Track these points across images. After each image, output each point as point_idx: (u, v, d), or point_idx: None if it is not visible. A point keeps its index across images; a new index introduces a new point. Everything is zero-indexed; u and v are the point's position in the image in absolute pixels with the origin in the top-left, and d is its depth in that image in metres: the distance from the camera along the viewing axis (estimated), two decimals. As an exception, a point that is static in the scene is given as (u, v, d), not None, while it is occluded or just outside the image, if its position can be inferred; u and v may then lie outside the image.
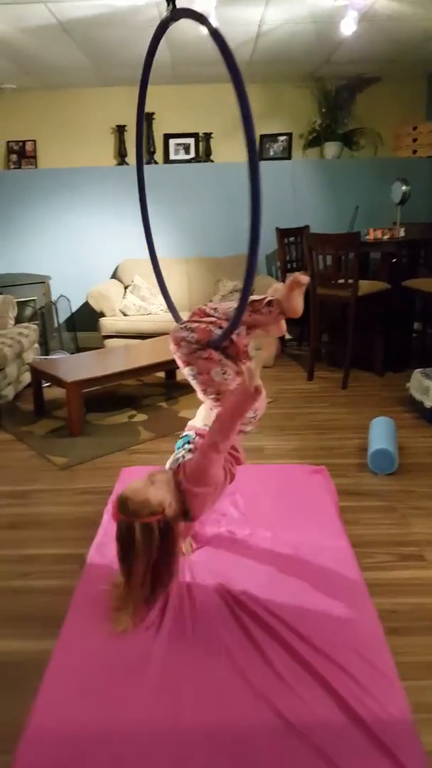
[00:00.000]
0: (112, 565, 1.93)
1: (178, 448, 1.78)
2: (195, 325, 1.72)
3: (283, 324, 1.85)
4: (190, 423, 1.90)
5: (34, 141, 5.39)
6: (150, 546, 1.53)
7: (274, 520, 2.24)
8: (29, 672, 1.53)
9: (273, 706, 1.40)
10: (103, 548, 2.04)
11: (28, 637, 1.70)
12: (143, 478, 1.62)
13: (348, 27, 3.55)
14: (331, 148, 5.35)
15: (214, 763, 1.26)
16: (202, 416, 1.87)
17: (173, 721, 1.36)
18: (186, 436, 1.82)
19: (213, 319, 1.73)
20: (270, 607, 1.72)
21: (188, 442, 1.77)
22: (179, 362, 1.76)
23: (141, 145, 1.92)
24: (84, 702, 1.41)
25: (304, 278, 1.73)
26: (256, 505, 2.37)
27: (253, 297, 1.77)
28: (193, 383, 1.77)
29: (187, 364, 1.73)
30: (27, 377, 4.10)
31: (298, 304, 1.75)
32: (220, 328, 1.69)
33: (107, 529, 2.18)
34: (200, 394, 1.79)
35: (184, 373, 1.78)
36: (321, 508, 2.34)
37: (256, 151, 1.42)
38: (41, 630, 1.72)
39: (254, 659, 1.54)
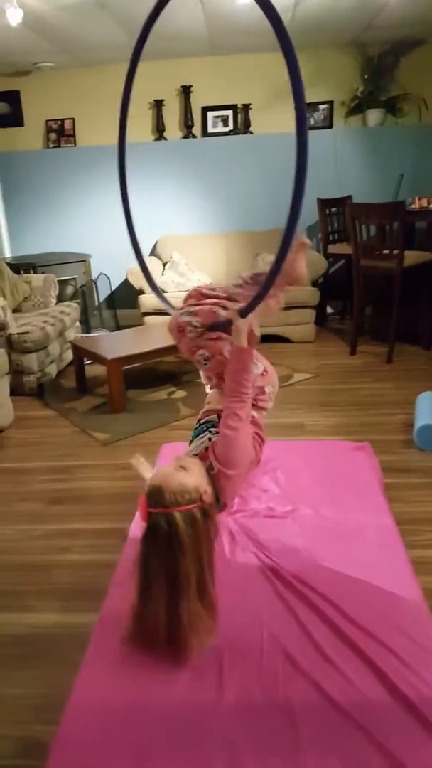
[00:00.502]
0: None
1: (198, 436, 1.64)
2: (197, 308, 1.62)
3: (282, 297, 1.72)
4: (202, 411, 1.73)
5: (73, 119, 5.37)
6: (198, 539, 1.30)
7: (315, 496, 2.20)
8: (72, 646, 1.55)
9: (317, 684, 1.37)
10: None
11: (71, 611, 1.73)
12: (169, 465, 1.44)
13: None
14: (373, 116, 5.15)
15: (257, 741, 1.25)
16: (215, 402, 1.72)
17: (215, 697, 1.36)
18: (205, 422, 1.67)
19: (214, 300, 1.63)
20: (313, 584, 1.69)
21: (213, 426, 1.62)
22: (185, 350, 1.64)
23: (125, 119, 1.80)
24: (126, 675, 1.42)
25: (307, 240, 1.67)
26: (297, 481, 2.33)
27: (255, 271, 1.69)
28: (204, 369, 1.67)
29: (197, 349, 1.62)
30: (69, 355, 4.15)
31: (302, 271, 1.68)
32: (224, 308, 1.58)
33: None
34: (208, 384, 1.68)
35: (195, 359, 1.66)
36: (364, 484, 2.28)
37: (305, 116, 1.36)
38: (83, 603, 1.74)
39: (297, 637, 1.52)
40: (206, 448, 1.54)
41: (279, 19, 1.32)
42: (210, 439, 1.56)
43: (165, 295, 4.91)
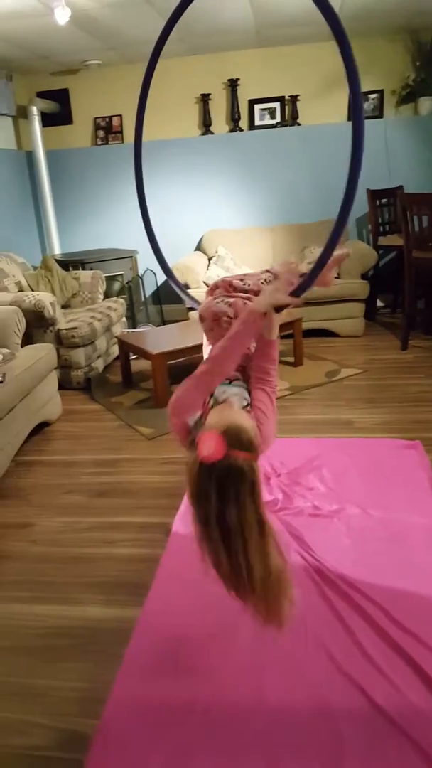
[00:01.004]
0: (196, 535, 1.93)
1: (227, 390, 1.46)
2: (232, 300, 1.59)
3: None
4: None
5: (120, 116, 5.41)
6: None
7: (363, 496, 2.15)
8: (114, 639, 1.56)
9: (362, 689, 1.34)
10: (188, 518, 2.03)
11: (114, 604, 1.73)
12: (219, 411, 1.30)
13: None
14: (426, 104, 4.98)
15: (299, 744, 1.22)
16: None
17: (258, 697, 1.34)
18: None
19: (247, 294, 1.61)
20: (359, 586, 1.65)
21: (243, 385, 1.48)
22: (215, 338, 1.53)
23: (141, 121, 1.74)
24: (167, 672, 1.41)
25: (348, 250, 1.72)
26: (344, 480, 2.28)
27: (286, 262, 1.65)
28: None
29: None
30: (115, 350, 4.20)
31: (332, 276, 1.69)
32: None
33: (192, 499, 2.18)
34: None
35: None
36: (414, 484, 2.21)
37: (362, 105, 1.35)
38: (127, 597, 1.74)
39: (343, 640, 1.48)
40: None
41: (330, 7, 1.28)
42: (245, 407, 1.41)
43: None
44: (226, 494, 1.09)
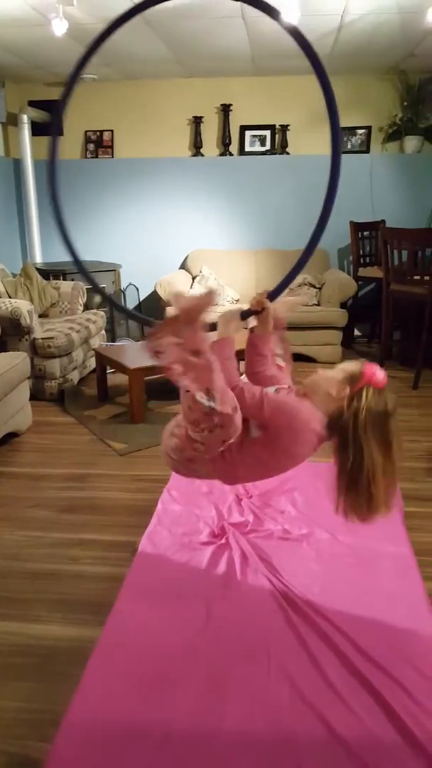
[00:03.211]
0: (164, 554, 1.90)
1: None
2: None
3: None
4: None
5: (112, 131, 5.44)
6: None
7: (333, 521, 2.13)
8: (73, 659, 1.51)
9: (322, 716, 1.32)
10: (155, 537, 2.01)
11: (75, 624, 1.69)
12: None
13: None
14: (411, 143, 5.13)
15: (257, 772, 1.19)
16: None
17: (216, 722, 1.31)
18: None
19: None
20: (324, 612, 1.64)
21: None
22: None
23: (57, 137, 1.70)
24: (125, 695, 1.37)
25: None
26: (315, 504, 2.27)
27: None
28: None
29: None
30: (92, 362, 4.16)
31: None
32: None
33: (161, 517, 2.15)
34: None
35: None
36: (384, 512, 2.21)
37: (340, 142, 1.45)
38: (89, 617, 1.70)
39: (305, 666, 1.46)
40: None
41: (311, 47, 1.48)
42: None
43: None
44: (394, 409, 1.43)
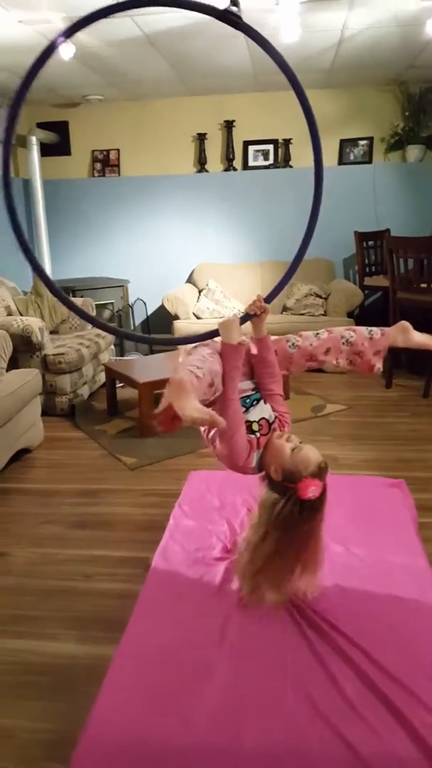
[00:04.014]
0: (177, 570, 1.89)
1: (253, 405, 1.68)
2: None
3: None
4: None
5: (118, 150, 5.51)
6: None
7: (346, 534, 2.12)
8: (87, 677, 1.50)
9: (340, 734, 1.30)
10: (168, 553, 2.00)
11: (88, 641, 1.68)
12: (303, 449, 1.57)
13: (434, 28, 3.38)
14: (413, 152, 5.15)
15: (275, 791, 1.18)
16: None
17: (233, 740, 1.29)
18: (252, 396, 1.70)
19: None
20: (341, 627, 1.62)
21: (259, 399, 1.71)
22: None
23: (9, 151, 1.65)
24: (142, 713, 1.36)
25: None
26: (327, 517, 2.25)
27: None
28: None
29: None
30: (102, 377, 4.18)
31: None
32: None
33: (173, 532, 2.14)
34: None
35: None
36: (398, 523, 2.20)
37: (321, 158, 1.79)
38: (102, 634, 1.69)
39: (322, 682, 1.45)
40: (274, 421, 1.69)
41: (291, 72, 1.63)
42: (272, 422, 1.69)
43: (200, 321, 4.93)
44: (316, 511, 1.54)
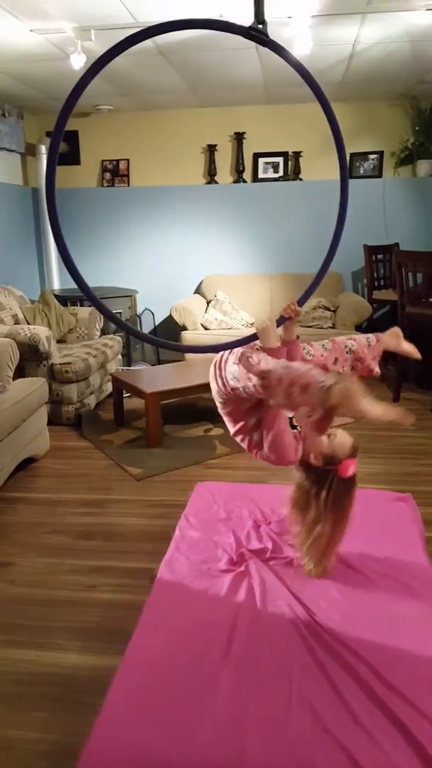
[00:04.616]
0: (182, 582, 1.88)
1: None
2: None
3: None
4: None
5: (128, 160, 5.55)
6: None
7: (353, 548, 2.11)
8: (92, 688, 1.50)
9: (346, 750, 1.28)
10: (174, 564, 1.99)
11: (93, 652, 1.67)
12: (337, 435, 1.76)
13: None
14: (424, 166, 5.17)
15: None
16: None
17: (238, 755, 1.28)
18: None
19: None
20: (346, 641, 1.60)
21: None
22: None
23: (54, 165, 1.67)
24: (146, 725, 1.35)
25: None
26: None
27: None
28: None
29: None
30: (109, 387, 4.18)
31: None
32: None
33: (179, 543, 2.13)
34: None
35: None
36: (405, 538, 2.18)
37: (347, 168, 1.78)
38: (107, 645, 1.68)
39: (328, 697, 1.43)
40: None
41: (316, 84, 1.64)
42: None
43: (209, 332, 4.94)
44: (354, 485, 1.73)
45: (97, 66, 1.41)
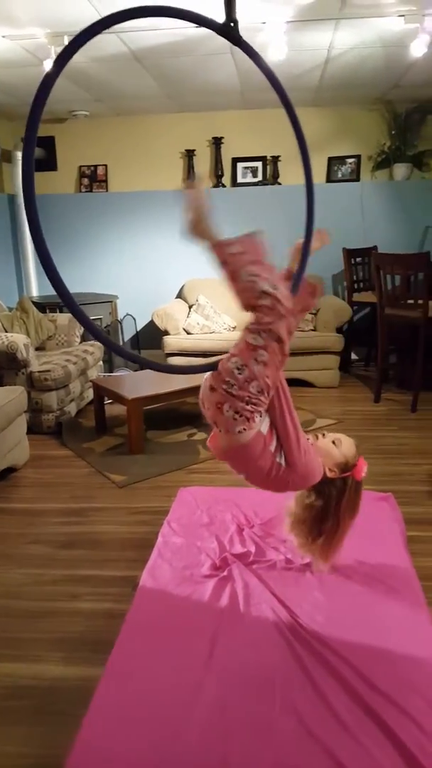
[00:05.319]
0: (165, 589, 1.87)
1: None
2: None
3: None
4: None
5: (105, 165, 5.53)
6: None
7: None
8: (74, 699, 1.47)
9: (331, 753, 1.28)
10: (156, 571, 1.98)
11: (75, 663, 1.65)
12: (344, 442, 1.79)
13: (418, 49, 3.43)
14: (400, 170, 5.22)
15: None
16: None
17: (223, 761, 1.27)
18: None
19: None
20: (329, 643, 1.60)
21: None
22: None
23: (30, 166, 1.43)
24: (128, 736, 1.33)
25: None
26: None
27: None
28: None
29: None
30: (90, 394, 4.15)
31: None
32: None
33: (161, 550, 2.12)
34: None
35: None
36: (387, 537, 2.19)
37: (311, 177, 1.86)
38: (90, 655, 1.66)
39: (312, 700, 1.43)
40: None
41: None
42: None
43: (191, 336, 4.90)
44: (360, 490, 1.78)
45: (69, 50, 1.35)
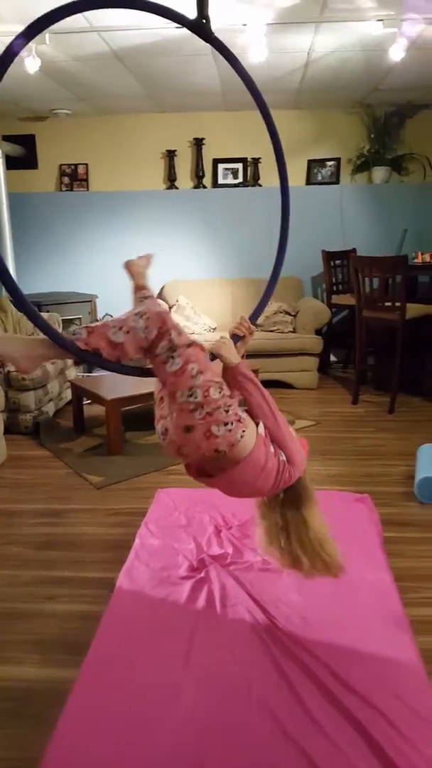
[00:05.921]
0: (142, 590, 1.87)
1: None
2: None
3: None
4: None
5: (86, 164, 5.50)
6: None
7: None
8: (49, 702, 1.46)
9: (305, 752, 1.29)
10: (133, 573, 1.97)
11: (51, 664, 1.64)
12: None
13: (397, 54, 3.48)
14: (379, 173, 5.28)
15: None
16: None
17: (198, 762, 1.27)
18: None
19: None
20: (305, 643, 1.61)
21: None
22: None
23: None
24: (104, 738, 1.33)
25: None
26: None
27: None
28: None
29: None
30: (68, 394, 4.13)
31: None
32: None
33: (138, 551, 2.12)
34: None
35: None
36: (363, 538, 2.21)
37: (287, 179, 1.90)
38: (65, 657, 1.65)
39: (287, 700, 1.44)
40: None
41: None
42: None
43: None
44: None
45: (32, 29, 1.36)
